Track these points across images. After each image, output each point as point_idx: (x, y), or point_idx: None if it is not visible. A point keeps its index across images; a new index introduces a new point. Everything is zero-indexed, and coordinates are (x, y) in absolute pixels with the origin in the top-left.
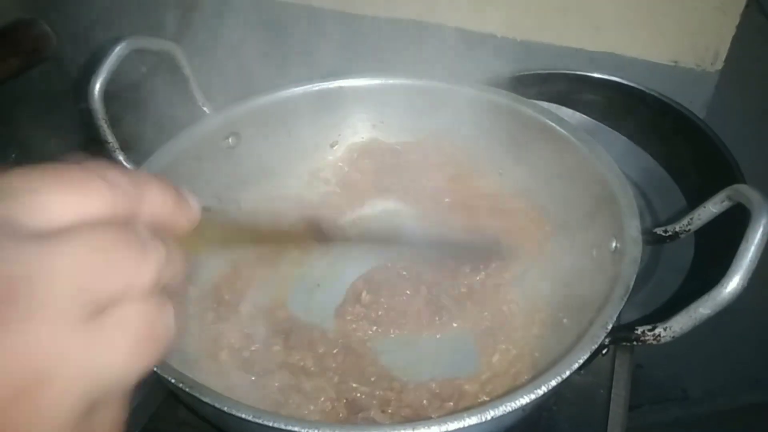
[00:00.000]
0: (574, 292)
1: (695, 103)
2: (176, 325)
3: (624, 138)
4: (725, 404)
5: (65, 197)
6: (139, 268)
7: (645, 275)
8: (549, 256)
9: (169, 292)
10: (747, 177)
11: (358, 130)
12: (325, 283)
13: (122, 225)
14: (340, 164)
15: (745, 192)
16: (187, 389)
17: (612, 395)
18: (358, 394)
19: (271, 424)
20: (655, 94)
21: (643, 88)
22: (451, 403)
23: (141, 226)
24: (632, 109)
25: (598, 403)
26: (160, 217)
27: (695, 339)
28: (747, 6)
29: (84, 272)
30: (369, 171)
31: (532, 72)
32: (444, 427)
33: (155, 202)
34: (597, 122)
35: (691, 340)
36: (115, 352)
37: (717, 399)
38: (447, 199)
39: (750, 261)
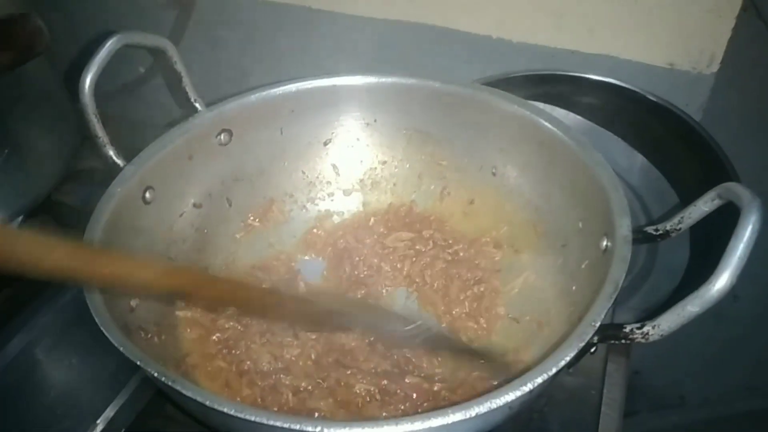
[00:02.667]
0: (565, 290)
1: (691, 105)
2: None
3: (619, 140)
4: (722, 411)
5: None
6: None
7: (641, 278)
8: (542, 254)
9: None
10: (743, 179)
11: (352, 129)
12: None
13: None
14: (333, 163)
15: (735, 189)
16: (169, 383)
17: (604, 398)
18: None
19: (253, 419)
20: (651, 96)
21: (638, 90)
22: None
23: None
24: (627, 111)
25: (589, 404)
26: None
27: (692, 346)
28: (743, 9)
29: None
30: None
31: (527, 73)
32: (428, 423)
33: None
34: (592, 124)
35: (688, 347)
36: None
37: (714, 406)
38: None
39: (739, 258)
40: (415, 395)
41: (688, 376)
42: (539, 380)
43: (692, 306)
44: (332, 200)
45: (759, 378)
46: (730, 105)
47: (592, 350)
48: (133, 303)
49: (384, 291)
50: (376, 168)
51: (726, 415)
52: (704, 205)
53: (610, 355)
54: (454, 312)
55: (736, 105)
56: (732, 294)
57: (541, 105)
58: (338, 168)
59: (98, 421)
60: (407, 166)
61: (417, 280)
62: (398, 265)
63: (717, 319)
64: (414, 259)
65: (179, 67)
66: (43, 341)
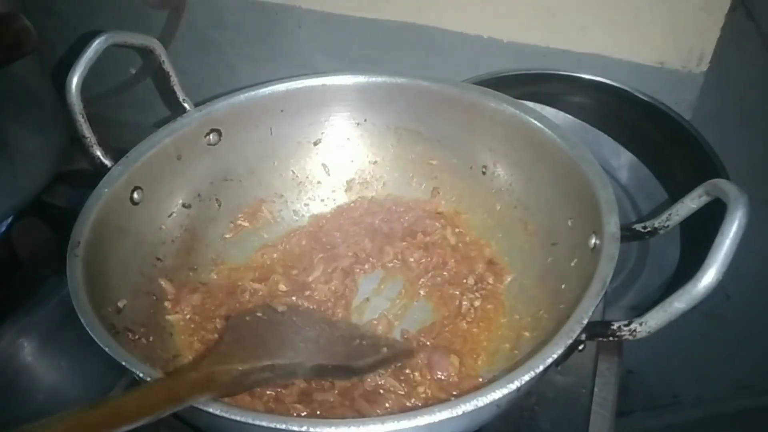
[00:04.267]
0: (555, 289)
1: (681, 104)
2: None
3: (609, 138)
4: (716, 410)
5: None
6: None
7: (632, 276)
8: (532, 253)
9: None
10: (732, 177)
11: (342, 129)
12: None
13: None
14: (323, 163)
15: (722, 186)
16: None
17: (596, 397)
18: None
19: (238, 419)
20: (641, 95)
21: (628, 89)
22: None
23: None
24: (618, 110)
25: (580, 403)
26: None
27: (686, 345)
28: (732, 7)
29: None
30: None
31: (518, 72)
32: (414, 422)
33: None
34: (582, 123)
35: (681, 347)
36: None
37: (708, 405)
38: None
39: (725, 254)
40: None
41: (681, 376)
42: (526, 378)
43: (679, 303)
44: (322, 201)
45: (752, 377)
46: (719, 103)
47: (581, 348)
48: (121, 304)
49: (362, 274)
50: (366, 168)
51: (720, 413)
52: (692, 202)
53: (601, 353)
54: (445, 312)
55: (725, 103)
56: (724, 293)
57: (531, 104)
58: (328, 168)
59: None
60: (398, 165)
61: (405, 271)
62: (386, 248)
63: (709, 318)
64: (408, 258)
65: (167, 66)
66: (33, 343)
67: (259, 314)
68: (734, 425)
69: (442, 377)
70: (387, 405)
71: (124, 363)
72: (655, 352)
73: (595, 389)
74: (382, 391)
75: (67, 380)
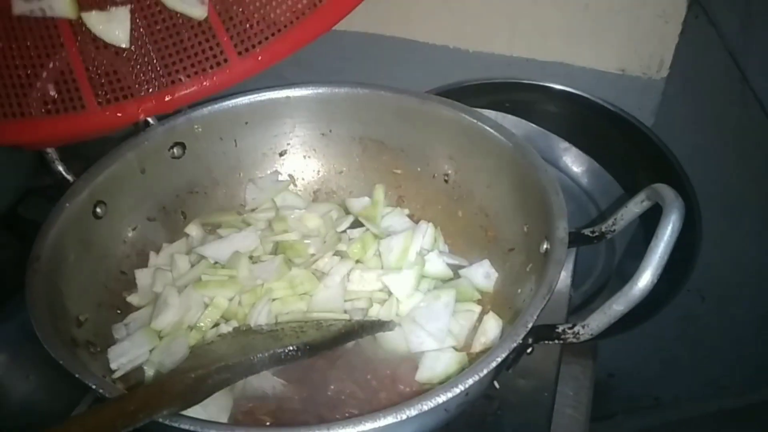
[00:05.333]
0: (511, 293)
1: (643, 110)
2: None
3: (572, 146)
4: (696, 411)
5: None
6: None
7: (600, 284)
8: (491, 259)
9: None
10: (693, 181)
11: (307, 139)
12: None
13: None
14: (290, 174)
15: (660, 190)
16: (106, 394)
17: (569, 400)
18: None
19: (189, 428)
20: (603, 103)
21: (590, 97)
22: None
23: None
24: (580, 118)
25: (543, 406)
26: None
27: (664, 347)
28: (694, 15)
29: None
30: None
31: (482, 82)
32: (360, 427)
33: None
34: (545, 131)
35: (660, 349)
36: None
37: (688, 406)
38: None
39: (660, 257)
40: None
41: (661, 378)
42: (470, 381)
43: (617, 305)
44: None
45: (729, 377)
46: (681, 108)
47: (529, 351)
48: (82, 317)
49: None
50: (332, 178)
51: (700, 414)
52: (635, 207)
53: (576, 357)
54: None
55: (687, 108)
56: (700, 296)
57: (493, 113)
58: (295, 178)
59: None
60: (363, 175)
61: None
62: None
63: (686, 320)
64: None
65: None
66: (1, 357)
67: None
68: (714, 425)
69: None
70: (347, 412)
71: (77, 375)
72: (636, 355)
73: (570, 392)
74: (343, 397)
75: (36, 393)
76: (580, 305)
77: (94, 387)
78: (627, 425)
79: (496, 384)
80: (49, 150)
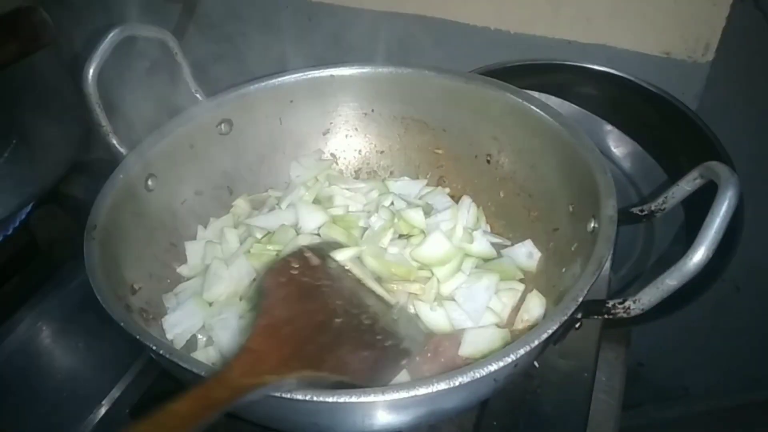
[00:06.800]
0: (556, 273)
1: (687, 94)
2: None
3: (614, 128)
4: (726, 402)
5: None
6: None
7: (638, 266)
8: (535, 239)
9: None
10: (737, 165)
11: (350, 119)
12: None
13: None
14: (332, 153)
15: (715, 168)
16: (167, 355)
17: (602, 385)
18: None
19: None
20: (646, 85)
21: (634, 79)
22: None
23: None
24: (623, 100)
25: (582, 387)
26: None
27: (695, 338)
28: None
29: None
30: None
31: (524, 63)
32: (413, 392)
33: None
34: (587, 112)
35: (691, 339)
36: None
37: (717, 397)
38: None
39: (715, 232)
40: None
41: (691, 368)
42: (521, 351)
43: (670, 280)
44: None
45: (761, 369)
46: (725, 93)
47: (577, 326)
48: (136, 285)
49: None
50: (373, 157)
51: (729, 405)
52: (687, 185)
53: (609, 343)
54: None
55: (731, 93)
56: (734, 286)
57: (536, 94)
58: (337, 157)
59: (103, 402)
60: (404, 154)
61: None
62: None
63: (719, 311)
64: None
65: (180, 58)
66: (51, 325)
67: (295, 266)
68: (744, 417)
69: (448, 364)
70: None
71: (138, 337)
72: (666, 344)
73: (603, 378)
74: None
75: (85, 361)
76: (618, 291)
77: (155, 348)
78: (655, 414)
79: (536, 363)
80: (104, 123)
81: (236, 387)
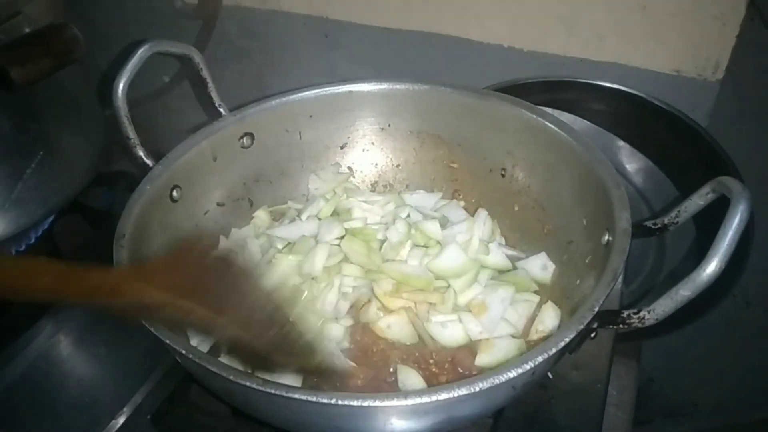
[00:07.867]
0: (570, 285)
1: (697, 111)
2: None
3: (626, 144)
4: (735, 418)
5: None
6: None
7: (650, 280)
8: (549, 252)
9: None
10: (747, 183)
11: (367, 133)
12: None
13: None
14: (349, 166)
15: (726, 182)
16: (196, 359)
17: (613, 399)
18: None
19: (273, 392)
20: (657, 102)
21: (645, 96)
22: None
23: None
24: (635, 117)
25: (595, 398)
26: None
27: (705, 353)
28: (750, 18)
29: None
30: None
31: (537, 80)
32: (435, 397)
33: None
34: (599, 128)
35: (701, 354)
36: None
37: (727, 413)
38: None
39: (728, 244)
40: None
41: (701, 384)
42: (539, 359)
43: (684, 290)
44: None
45: None
46: (735, 111)
47: (593, 336)
48: None
49: None
50: (389, 170)
51: (739, 422)
52: (699, 199)
53: (620, 357)
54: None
55: (741, 111)
56: (744, 301)
57: (549, 110)
58: (354, 171)
59: (125, 408)
60: (420, 168)
61: None
62: None
63: (730, 326)
64: None
65: (205, 73)
66: (72, 333)
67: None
68: None
69: (465, 373)
70: None
71: (167, 342)
72: (676, 360)
73: (613, 392)
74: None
75: (106, 368)
76: (629, 305)
77: (183, 352)
78: (664, 430)
79: (549, 375)
80: (132, 136)
81: (114, 285)
